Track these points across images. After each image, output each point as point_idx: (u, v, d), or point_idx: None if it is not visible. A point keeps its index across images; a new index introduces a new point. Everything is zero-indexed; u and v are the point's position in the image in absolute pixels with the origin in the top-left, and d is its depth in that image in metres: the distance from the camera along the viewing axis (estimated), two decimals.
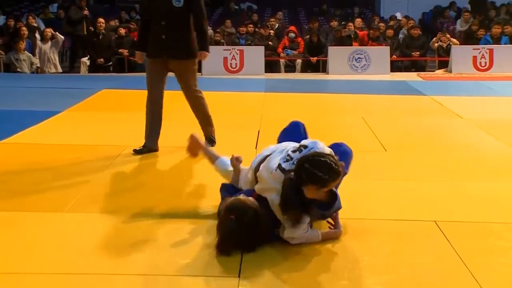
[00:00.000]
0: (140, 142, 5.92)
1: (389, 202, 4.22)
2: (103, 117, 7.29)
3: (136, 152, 5.41)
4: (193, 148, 4.27)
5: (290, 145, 3.55)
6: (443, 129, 6.83)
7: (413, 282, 3.01)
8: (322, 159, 3.19)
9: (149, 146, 5.52)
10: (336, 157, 3.29)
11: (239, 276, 3.03)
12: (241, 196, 3.40)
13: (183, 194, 4.34)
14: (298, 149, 3.41)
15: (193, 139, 4.31)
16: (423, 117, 7.53)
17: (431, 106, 8.45)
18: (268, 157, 3.54)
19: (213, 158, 4.12)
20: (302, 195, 3.22)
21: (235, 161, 3.91)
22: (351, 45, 13.54)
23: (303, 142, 3.49)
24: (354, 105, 8.51)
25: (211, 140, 5.83)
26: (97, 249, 3.35)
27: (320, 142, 3.45)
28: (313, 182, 3.18)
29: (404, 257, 3.30)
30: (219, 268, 3.12)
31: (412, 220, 3.86)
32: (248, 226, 3.23)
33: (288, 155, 3.42)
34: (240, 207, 3.28)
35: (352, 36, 13.93)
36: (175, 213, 3.95)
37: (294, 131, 3.89)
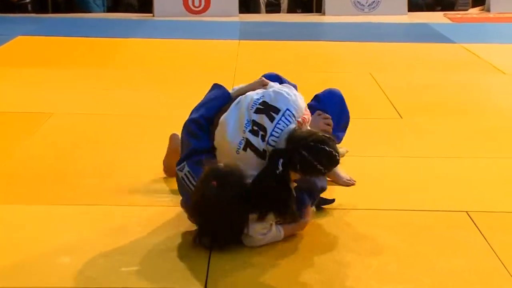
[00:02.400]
0: (71, 107, 5.88)
1: (406, 186, 4.25)
2: (20, 74, 7.21)
3: None
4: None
5: (246, 101, 3.52)
6: (478, 89, 6.86)
7: None
8: (323, 146, 3.26)
9: None
10: (334, 139, 3.39)
11: (205, 286, 3.05)
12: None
13: (123, 175, 4.32)
14: (265, 113, 3.40)
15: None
16: (451, 73, 7.55)
17: (462, 57, 8.48)
18: (225, 117, 3.51)
19: None
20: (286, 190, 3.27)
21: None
22: None
23: (267, 98, 3.47)
24: (359, 57, 8.51)
25: None
26: (10, 254, 3.33)
27: (292, 98, 3.47)
28: (307, 173, 3.30)
29: (426, 260, 3.33)
30: (179, 276, 3.13)
31: (437, 211, 3.89)
32: (232, 197, 3.23)
33: (254, 121, 3.39)
34: (225, 172, 3.29)
35: None
36: (114, 203, 3.96)
37: None
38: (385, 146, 5.02)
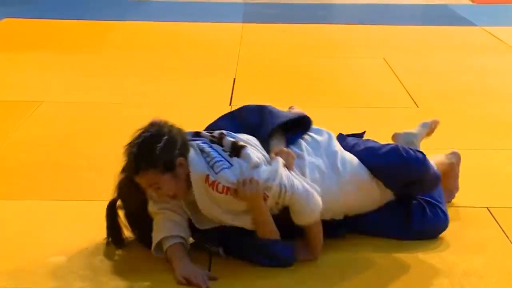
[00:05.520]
0: (63, 95, 5.91)
1: None
2: (7, 59, 7.23)
3: None
4: None
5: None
6: (500, 75, 6.86)
7: None
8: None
9: None
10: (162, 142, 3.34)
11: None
12: None
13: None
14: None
15: None
16: (472, 58, 7.56)
17: (484, 41, 8.47)
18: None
19: None
20: None
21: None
22: None
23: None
24: (372, 41, 8.51)
25: None
26: None
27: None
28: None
29: (442, 260, 3.35)
30: None
31: (454, 207, 3.91)
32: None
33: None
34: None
35: None
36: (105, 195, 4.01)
37: None
38: None
